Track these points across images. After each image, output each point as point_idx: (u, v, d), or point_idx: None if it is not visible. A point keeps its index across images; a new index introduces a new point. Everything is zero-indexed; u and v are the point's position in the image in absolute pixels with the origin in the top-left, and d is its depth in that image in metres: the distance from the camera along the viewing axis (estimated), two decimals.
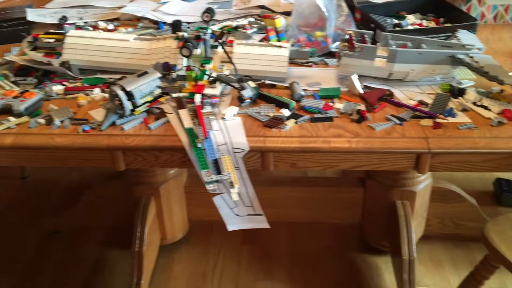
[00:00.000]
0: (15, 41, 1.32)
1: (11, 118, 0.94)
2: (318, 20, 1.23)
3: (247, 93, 0.99)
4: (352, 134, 0.89)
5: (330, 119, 0.94)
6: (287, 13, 1.47)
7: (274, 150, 0.89)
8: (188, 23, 1.42)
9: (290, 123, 0.92)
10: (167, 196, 1.46)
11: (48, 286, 1.45)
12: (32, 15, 1.47)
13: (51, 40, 1.13)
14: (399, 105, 0.98)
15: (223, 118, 0.95)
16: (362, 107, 0.96)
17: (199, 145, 0.87)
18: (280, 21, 1.17)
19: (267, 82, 1.07)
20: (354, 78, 1.02)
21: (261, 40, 1.28)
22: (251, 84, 1.01)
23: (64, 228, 1.65)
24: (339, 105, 0.98)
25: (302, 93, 1.01)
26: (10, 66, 1.16)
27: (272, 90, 1.06)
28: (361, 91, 1.01)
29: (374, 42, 1.11)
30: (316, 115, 0.95)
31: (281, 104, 0.98)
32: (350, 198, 1.50)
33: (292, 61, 1.14)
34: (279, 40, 1.19)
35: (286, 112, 0.95)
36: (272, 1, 1.54)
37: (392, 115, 0.94)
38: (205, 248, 1.57)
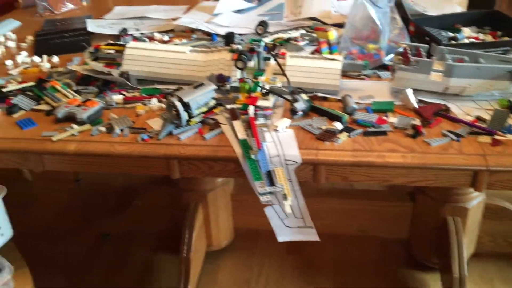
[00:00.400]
0: (76, 51, 1.39)
1: (74, 126, 0.99)
2: (371, 32, 1.23)
3: (300, 105, 1.00)
4: (407, 149, 0.89)
5: (384, 133, 0.93)
6: (338, 25, 1.48)
7: (326, 163, 0.89)
8: (240, 34, 1.45)
9: (343, 136, 0.93)
10: (214, 203, 1.48)
11: (96, 287, 1.51)
12: (92, 26, 1.54)
13: (112, 51, 1.18)
14: (456, 120, 0.96)
15: (275, 130, 0.96)
16: (417, 121, 0.95)
17: (253, 157, 0.89)
18: (333, 34, 1.18)
19: (319, 94, 1.07)
20: (409, 92, 1.01)
21: (312, 52, 1.29)
22: (304, 96, 1.02)
23: (115, 231, 1.70)
24: (393, 119, 0.97)
25: (355, 106, 1.01)
26: (72, 75, 1.22)
27: (324, 103, 1.06)
28: (416, 105, 1.00)
29: (429, 55, 1.09)
30: (369, 129, 0.95)
31: (334, 117, 0.98)
32: (398, 212, 1.48)
33: (344, 74, 1.14)
34: (331, 53, 1.20)
35: (338, 125, 0.95)
36: (323, 13, 1.55)
37: (449, 131, 0.92)
38: (250, 256, 1.58)
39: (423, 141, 0.90)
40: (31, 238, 1.63)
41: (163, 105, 1.06)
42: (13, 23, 1.63)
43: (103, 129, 0.98)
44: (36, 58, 1.33)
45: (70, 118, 1.01)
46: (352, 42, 1.21)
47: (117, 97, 1.10)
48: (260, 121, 0.98)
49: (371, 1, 1.15)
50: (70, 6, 1.78)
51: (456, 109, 1.00)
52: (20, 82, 1.19)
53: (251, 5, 1.71)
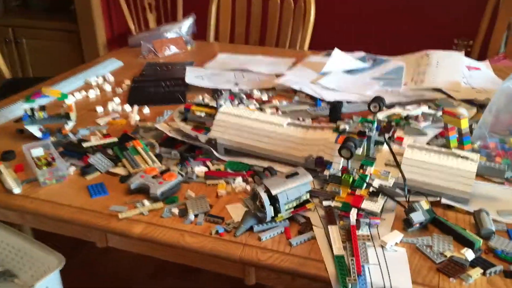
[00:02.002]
0: (170, 103, 1.30)
1: (146, 202, 0.86)
2: None
3: (418, 217, 0.78)
4: None
5: None
6: (467, 101, 1.24)
7: None
8: (348, 102, 1.26)
9: (475, 273, 0.69)
10: None
11: None
12: (190, 76, 1.45)
13: (202, 114, 1.06)
14: None
15: (382, 247, 0.75)
16: None
17: (350, 287, 0.68)
18: (466, 122, 0.95)
19: (443, 201, 0.84)
20: None
21: (436, 136, 1.06)
22: (424, 204, 0.80)
23: None
24: None
25: (493, 228, 0.76)
26: (158, 133, 1.11)
27: (448, 213, 0.83)
28: None
29: None
30: None
31: (462, 239, 0.75)
32: None
33: (478, 174, 0.90)
34: (461, 144, 0.96)
35: (469, 255, 0.72)
36: (451, 84, 1.31)
37: None
38: None
39: None
40: None
41: (248, 187, 0.90)
42: (114, 63, 1.60)
43: (175, 211, 0.84)
44: (127, 108, 1.26)
45: (143, 190, 0.90)
46: (490, 133, 0.97)
47: (199, 170, 0.96)
48: (363, 230, 0.78)
49: None
50: (174, 50, 1.72)
51: None
52: (104, 136, 1.11)
53: (365, 65, 1.52)
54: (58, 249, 0.95)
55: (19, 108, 1.21)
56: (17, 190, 0.91)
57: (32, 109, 1.09)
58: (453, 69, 1.39)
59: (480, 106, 1.18)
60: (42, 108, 1.11)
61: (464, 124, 0.94)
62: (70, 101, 1.14)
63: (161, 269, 1.69)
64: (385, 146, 0.95)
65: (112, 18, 2.89)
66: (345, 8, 2.52)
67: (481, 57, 1.88)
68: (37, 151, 0.99)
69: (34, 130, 1.09)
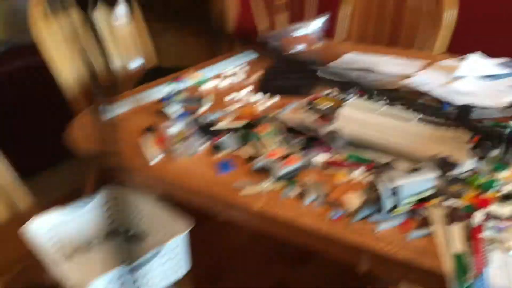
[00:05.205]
0: (296, 93, 1.33)
1: (267, 182, 0.92)
2: None
3: None
4: None
5: None
6: None
7: None
8: (482, 109, 1.19)
9: None
10: None
11: None
12: (320, 72, 1.48)
13: (327, 106, 1.08)
14: None
15: (508, 252, 0.71)
16: None
17: (467, 284, 0.66)
18: None
19: None
20: None
21: None
22: None
23: (296, 284, 1.60)
24: None
25: None
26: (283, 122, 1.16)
27: None
28: None
29: None
30: None
31: None
32: None
33: None
34: None
35: None
36: None
37: None
38: None
39: None
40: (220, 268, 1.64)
41: (367, 179, 0.91)
42: (248, 56, 1.69)
43: (294, 193, 0.88)
44: (258, 96, 1.32)
45: (266, 171, 0.95)
46: None
47: (319, 159, 0.99)
48: (488, 234, 0.74)
49: None
50: (300, 48, 1.77)
51: None
52: (233, 119, 1.19)
53: (504, 71, 1.41)
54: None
55: (162, 91, 1.35)
56: (154, 160, 1.02)
57: (174, 92, 1.22)
58: None
59: None
60: (181, 91, 1.23)
61: None
62: (206, 86, 1.24)
63: (270, 256, 1.74)
64: None
65: (243, 19, 3.04)
66: (491, 9, 2.31)
67: None
68: (174, 129, 1.10)
69: (173, 110, 1.21)
